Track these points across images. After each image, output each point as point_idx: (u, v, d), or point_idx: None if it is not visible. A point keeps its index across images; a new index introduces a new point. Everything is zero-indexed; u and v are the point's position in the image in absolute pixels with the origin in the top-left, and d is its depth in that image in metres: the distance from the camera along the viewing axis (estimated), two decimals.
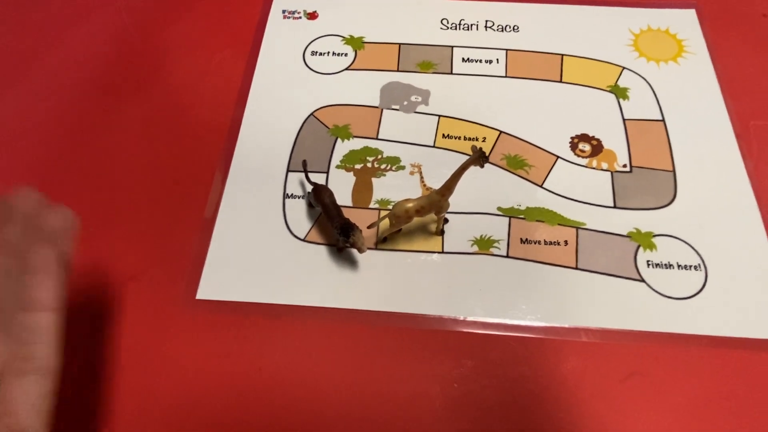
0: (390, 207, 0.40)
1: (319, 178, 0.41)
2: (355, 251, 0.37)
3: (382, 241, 0.38)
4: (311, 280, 0.37)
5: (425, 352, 0.35)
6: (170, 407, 0.33)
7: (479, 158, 0.31)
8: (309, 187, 0.39)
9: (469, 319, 0.35)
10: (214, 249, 0.39)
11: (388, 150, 0.43)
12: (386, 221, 0.37)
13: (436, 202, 0.35)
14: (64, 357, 0.24)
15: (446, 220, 0.39)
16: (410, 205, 0.35)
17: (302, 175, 0.41)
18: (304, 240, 0.39)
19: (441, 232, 0.38)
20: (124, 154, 0.44)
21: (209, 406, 0.33)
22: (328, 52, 0.48)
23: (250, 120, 0.45)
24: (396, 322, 0.36)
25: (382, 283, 0.37)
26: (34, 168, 0.43)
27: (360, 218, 0.38)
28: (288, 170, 0.42)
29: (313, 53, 0.48)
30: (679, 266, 0.37)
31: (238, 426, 0.33)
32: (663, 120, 0.44)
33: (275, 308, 0.36)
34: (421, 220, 0.38)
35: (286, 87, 0.47)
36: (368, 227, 0.37)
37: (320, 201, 0.37)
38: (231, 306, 0.37)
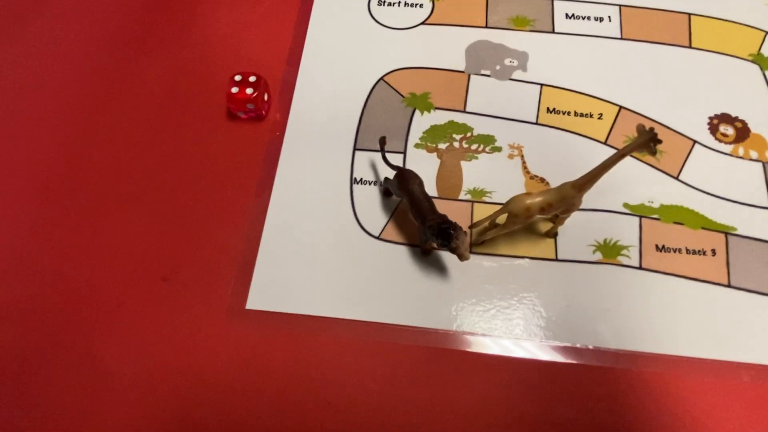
0: (487, 199, 0.32)
1: (394, 160, 0.33)
2: (447, 254, 0.29)
3: (479, 244, 0.31)
4: (390, 290, 0.29)
5: (539, 389, 0.27)
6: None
7: (648, 142, 0.23)
8: (384, 170, 0.31)
9: (593, 346, 0.28)
10: (266, 247, 0.31)
11: (480, 126, 0.35)
12: (502, 219, 0.29)
13: (569, 198, 0.26)
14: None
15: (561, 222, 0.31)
16: (534, 200, 0.27)
17: (372, 154, 0.33)
18: (378, 238, 0.31)
19: (554, 234, 0.31)
20: (145, 121, 0.35)
21: None
22: (399, 2, 0.39)
23: (305, 84, 0.36)
24: (492, 349, 0.28)
25: (480, 297, 0.29)
26: (52, 129, 0.35)
27: (447, 212, 0.30)
28: (355, 148, 0.34)
29: (381, 3, 0.39)
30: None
31: None
32: None
33: (343, 324, 0.29)
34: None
35: (348, 44, 0.38)
36: (470, 227, 0.29)
37: (406, 190, 0.29)
38: (287, 319, 0.29)
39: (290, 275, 0.30)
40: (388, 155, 0.32)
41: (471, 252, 0.30)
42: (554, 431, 0.26)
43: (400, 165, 0.33)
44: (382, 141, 0.31)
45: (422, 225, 0.28)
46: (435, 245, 0.28)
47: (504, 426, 0.26)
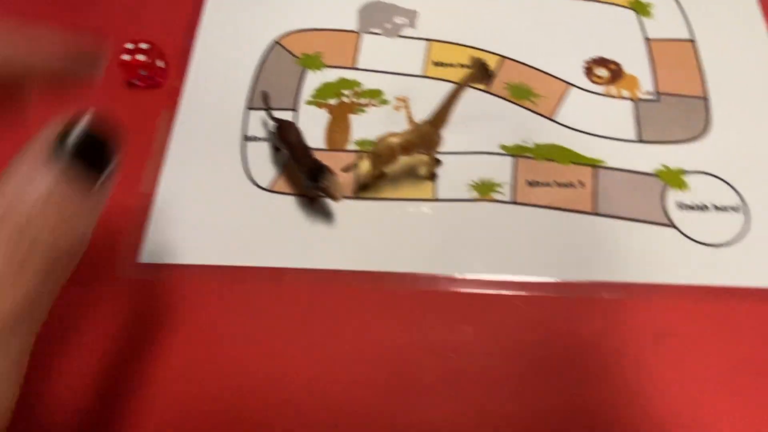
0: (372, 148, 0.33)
1: (287, 117, 0.34)
2: (329, 200, 0.30)
3: (362, 189, 0.32)
4: (279, 237, 0.31)
5: (416, 318, 0.29)
6: (109, 390, 0.28)
7: (481, 72, 0.25)
8: (272, 126, 0.32)
9: (468, 277, 0.30)
10: (161, 203, 0.32)
11: (369, 82, 0.36)
12: (366, 163, 0.31)
13: (427, 134, 0.28)
14: None
15: (439, 162, 0.32)
16: (395, 139, 0.28)
17: (265, 113, 0.34)
18: (269, 190, 0.32)
19: (433, 176, 0.32)
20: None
21: (162, 389, 0.28)
22: None
23: (203, 51, 0.37)
24: (380, 283, 0.30)
25: (363, 238, 0.31)
26: None
27: (336, 163, 0.32)
28: (248, 107, 0.35)
29: None
30: (715, 207, 0.31)
31: (197, 407, 0.27)
32: (692, 39, 0.37)
33: (237, 271, 0.30)
34: (409, 163, 0.32)
35: (245, 10, 0.39)
36: (343, 170, 0.31)
37: (285, 140, 0.30)
38: (183, 270, 0.31)
39: (184, 228, 0.31)
40: (281, 113, 0.34)
41: (356, 198, 0.32)
42: (422, 354, 0.28)
43: (289, 119, 0.34)
44: (264, 96, 0.33)
45: (300, 171, 0.30)
46: (315, 191, 0.30)
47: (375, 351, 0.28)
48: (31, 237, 0.13)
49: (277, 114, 0.34)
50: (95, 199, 0.14)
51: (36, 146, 0.14)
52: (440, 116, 0.28)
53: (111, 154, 0.15)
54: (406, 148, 0.29)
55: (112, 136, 0.15)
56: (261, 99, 0.33)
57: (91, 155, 0.14)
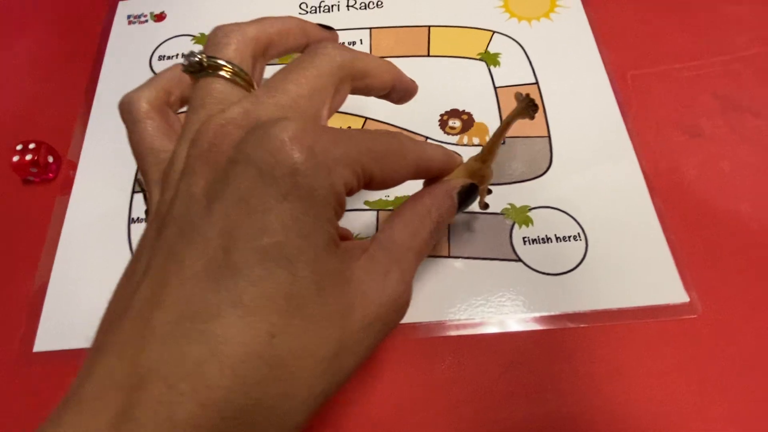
0: None
1: None
2: None
3: None
4: None
5: None
6: None
7: (528, 107, 0.26)
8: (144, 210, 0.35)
9: None
10: (53, 291, 0.35)
11: None
12: None
13: (478, 171, 0.28)
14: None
15: (490, 191, 0.35)
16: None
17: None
18: None
19: (486, 206, 0.33)
20: None
21: None
22: (177, 55, 0.44)
23: (92, 143, 0.40)
24: None
25: None
26: None
27: None
28: (133, 191, 0.38)
29: (161, 58, 0.44)
30: (557, 239, 0.34)
31: None
32: (536, 82, 0.41)
33: None
34: None
35: None
36: None
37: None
38: (75, 355, 0.33)
39: (76, 316, 0.34)
40: None
41: None
42: None
43: None
44: (139, 182, 0.36)
45: None
46: None
47: None
48: None
49: None
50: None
51: (443, 189, 0.24)
52: (488, 152, 0.28)
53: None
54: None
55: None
56: (137, 185, 0.36)
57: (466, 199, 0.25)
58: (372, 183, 0.20)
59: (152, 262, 0.18)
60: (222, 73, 0.21)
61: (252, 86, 0.22)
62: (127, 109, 0.24)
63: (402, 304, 0.20)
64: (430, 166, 0.24)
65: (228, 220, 0.16)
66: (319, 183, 0.17)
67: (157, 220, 0.19)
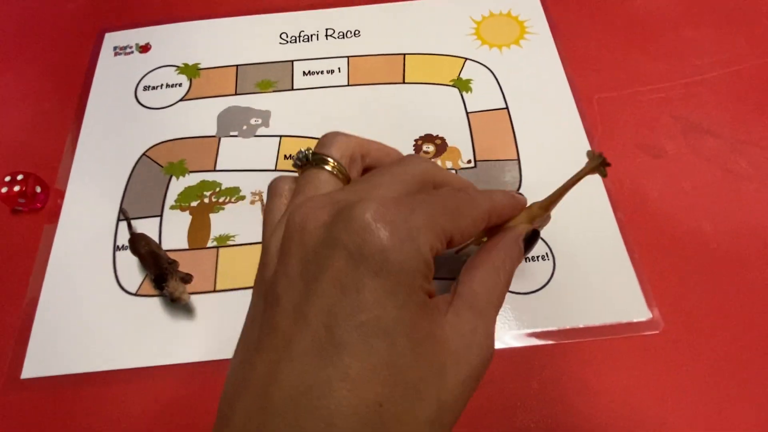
0: (231, 242, 0.37)
1: (152, 223, 0.39)
2: (195, 299, 0.34)
3: None
4: (140, 338, 0.34)
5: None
6: None
7: (600, 166, 0.26)
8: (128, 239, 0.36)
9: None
10: (41, 319, 0.36)
11: (228, 181, 0.41)
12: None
13: (537, 216, 0.29)
14: None
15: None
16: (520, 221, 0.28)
17: (133, 223, 0.38)
18: (135, 294, 0.36)
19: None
20: None
21: None
22: (162, 85, 0.46)
23: (79, 172, 0.42)
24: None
25: (223, 327, 0.35)
26: None
27: (196, 260, 0.36)
28: (118, 220, 0.39)
29: (146, 88, 0.46)
30: (526, 258, 0.36)
31: None
32: (506, 107, 0.43)
33: (104, 375, 0.34)
34: None
35: (115, 130, 0.44)
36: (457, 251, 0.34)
37: (135, 251, 0.35)
38: (61, 381, 0.34)
39: (63, 340, 0.35)
40: (148, 220, 0.38)
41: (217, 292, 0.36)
42: None
43: (157, 227, 0.38)
44: (123, 212, 0.37)
45: (150, 278, 0.34)
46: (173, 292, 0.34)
47: None
48: None
49: (146, 222, 0.38)
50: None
51: (511, 237, 0.26)
52: (552, 200, 0.29)
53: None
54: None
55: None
56: (122, 214, 0.37)
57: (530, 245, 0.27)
58: (453, 240, 0.22)
59: (263, 338, 0.19)
60: (324, 166, 0.24)
61: (349, 180, 0.24)
62: (272, 185, 0.26)
63: (489, 357, 0.21)
64: (502, 213, 0.25)
65: (326, 299, 0.18)
66: (407, 255, 0.19)
67: (261, 288, 0.21)
